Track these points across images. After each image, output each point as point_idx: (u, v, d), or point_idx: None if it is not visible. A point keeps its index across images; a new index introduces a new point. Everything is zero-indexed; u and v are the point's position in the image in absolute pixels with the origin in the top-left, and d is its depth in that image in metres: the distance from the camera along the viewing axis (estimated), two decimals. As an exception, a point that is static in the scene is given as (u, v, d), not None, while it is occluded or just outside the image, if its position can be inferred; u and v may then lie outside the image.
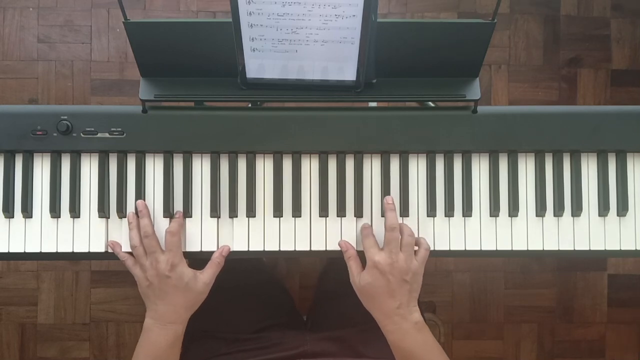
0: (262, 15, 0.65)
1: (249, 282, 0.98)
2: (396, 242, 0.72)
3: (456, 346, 1.59)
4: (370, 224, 0.77)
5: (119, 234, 0.77)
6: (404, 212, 0.77)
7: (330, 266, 1.08)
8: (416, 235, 0.76)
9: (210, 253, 0.77)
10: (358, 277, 0.72)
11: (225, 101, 0.76)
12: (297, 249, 0.77)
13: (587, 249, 0.79)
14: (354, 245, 0.76)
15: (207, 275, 0.74)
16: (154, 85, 0.76)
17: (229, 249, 0.77)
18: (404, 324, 0.71)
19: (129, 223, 0.75)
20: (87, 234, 0.77)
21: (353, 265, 0.73)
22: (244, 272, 0.98)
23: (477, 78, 0.77)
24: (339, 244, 0.76)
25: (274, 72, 0.73)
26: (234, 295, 0.95)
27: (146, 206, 0.75)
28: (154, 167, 0.77)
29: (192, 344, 0.93)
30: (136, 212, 0.75)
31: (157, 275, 0.72)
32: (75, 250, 0.77)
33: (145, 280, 0.73)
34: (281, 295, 1.03)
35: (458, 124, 0.77)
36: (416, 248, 0.74)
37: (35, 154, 0.77)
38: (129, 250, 0.75)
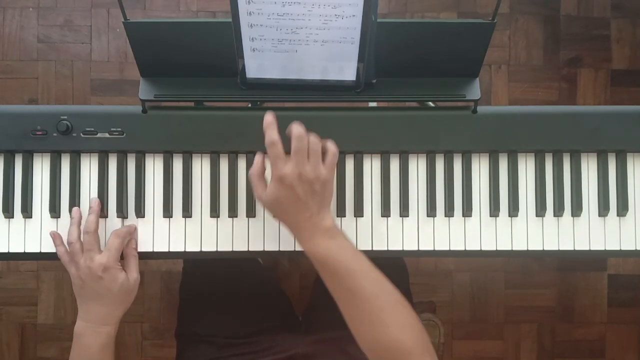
0: (262, 15, 0.65)
1: (243, 285, 0.97)
2: (303, 151, 0.66)
3: (456, 346, 1.59)
4: (370, 224, 0.77)
5: (118, 234, 0.77)
6: (404, 212, 0.77)
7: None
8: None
9: (211, 253, 0.77)
10: (263, 192, 0.68)
11: (225, 101, 0.76)
12: (296, 249, 0.77)
13: (587, 249, 0.79)
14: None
15: (135, 273, 0.74)
16: (154, 85, 0.76)
17: (135, 230, 0.76)
18: (316, 233, 0.67)
19: (72, 218, 0.74)
20: (87, 234, 0.77)
21: (256, 181, 0.69)
22: (240, 275, 0.98)
23: (477, 78, 0.77)
24: (255, 159, 0.70)
25: (274, 72, 0.73)
26: (228, 299, 0.94)
27: (99, 205, 0.75)
28: (154, 167, 0.77)
29: (185, 347, 0.92)
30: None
31: (90, 274, 0.71)
32: (75, 250, 0.77)
33: (79, 280, 0.71)
34: (277, 297, 1.02)
35: (458, 124, 0.77)
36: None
37: (35, 154, 0.77)
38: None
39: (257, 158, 0.70)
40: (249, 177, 0.71)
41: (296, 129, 0.66)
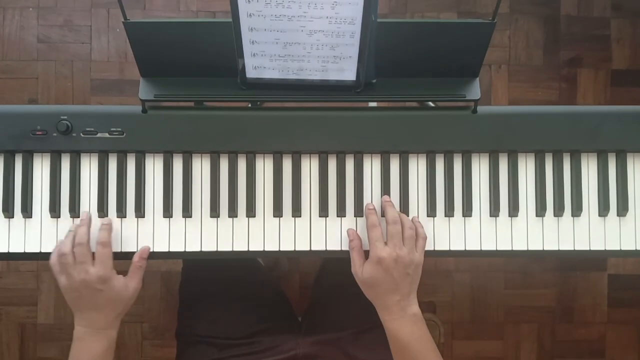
0: (262, 17, 0.65)
1: (243, 286, 0.97)
2: (399, 235, 0.72)
3: (456, 346, 1.59)
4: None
5: (118, 234, 0.77)
6: (404, 212, 0.77)
7: (324, 269, 1.08)
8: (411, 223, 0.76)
9: (211, 253, 0.77)
10: (360, 269, 0.73)
11: (225, 101, 0.76)
12: (297, 249, 0.77)
13: (587, 249, 0.79)
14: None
15: (135, 282, 0.75)
16: (154, 85, 0.76)
17: (149, 249, 0.76)
18: (403, 316, 0.72)
19: (70, 231, 0.73)
20: (87, 234, 0.77)
21: (356, 257, 0.74)
22: (239, 276, 0.98)
23: (477, 78, 0.77)
24: (347, 232, 0.76)
25: (274, 72, 0.73)
26: (228, 299, 0.94)
27: (90, 218, 0.75)
28: (154, 167, 0.77)
29: (185, 348, 0.92)
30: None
31: (86, 287, 0.70)
32: (75, 250, 0.77)
33: (75, 291, 0.71)
34: (277, 297, 1.02)
35: (458, 124, 0.77)
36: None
37: (35, 154, 0.77)
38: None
39: (351, 232, 0.76)
40: (350, 251, 0.75)
41: (391, 213, 0.73)
